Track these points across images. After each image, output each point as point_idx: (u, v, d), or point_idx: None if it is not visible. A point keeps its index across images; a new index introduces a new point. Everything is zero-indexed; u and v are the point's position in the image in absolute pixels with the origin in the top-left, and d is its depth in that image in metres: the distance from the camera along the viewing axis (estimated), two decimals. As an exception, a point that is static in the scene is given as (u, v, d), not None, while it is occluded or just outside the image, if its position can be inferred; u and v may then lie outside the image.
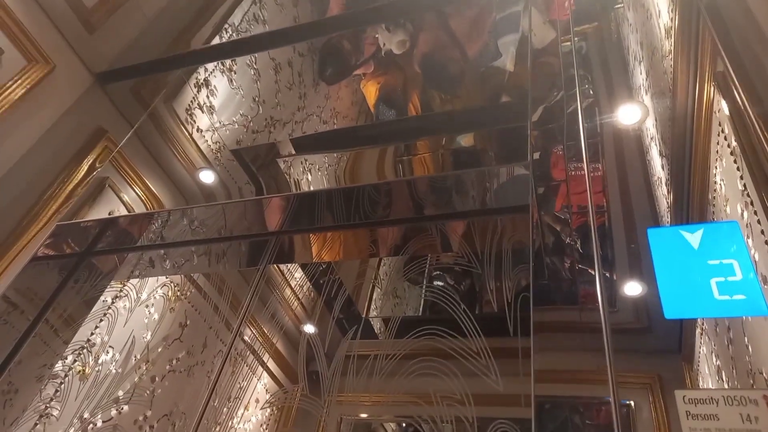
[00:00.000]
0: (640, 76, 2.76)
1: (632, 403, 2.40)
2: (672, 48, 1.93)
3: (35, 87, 2.67)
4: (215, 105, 3.28)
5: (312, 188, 2.92)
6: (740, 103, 1.43)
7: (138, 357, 2.53)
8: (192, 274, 2.84)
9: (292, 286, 2.69)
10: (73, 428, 2.26)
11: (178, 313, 2.75)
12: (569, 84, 2.51)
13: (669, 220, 2.33)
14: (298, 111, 3.42)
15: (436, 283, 2.75)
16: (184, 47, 3.36)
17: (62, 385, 2.37)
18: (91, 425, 2.29)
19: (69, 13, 2.86)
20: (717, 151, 1.75)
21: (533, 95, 2.39)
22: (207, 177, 3.15)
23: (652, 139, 2.60)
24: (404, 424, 2.46)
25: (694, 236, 1.36)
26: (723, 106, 1.61)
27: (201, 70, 3.30)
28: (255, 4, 3.59)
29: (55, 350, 2.48)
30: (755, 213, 1.45)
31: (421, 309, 2.78)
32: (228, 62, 3.32)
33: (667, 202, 2.33)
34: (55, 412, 2.28)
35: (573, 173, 2.77)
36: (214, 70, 3.31)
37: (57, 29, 2.83)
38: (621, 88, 3.12)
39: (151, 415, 2.41)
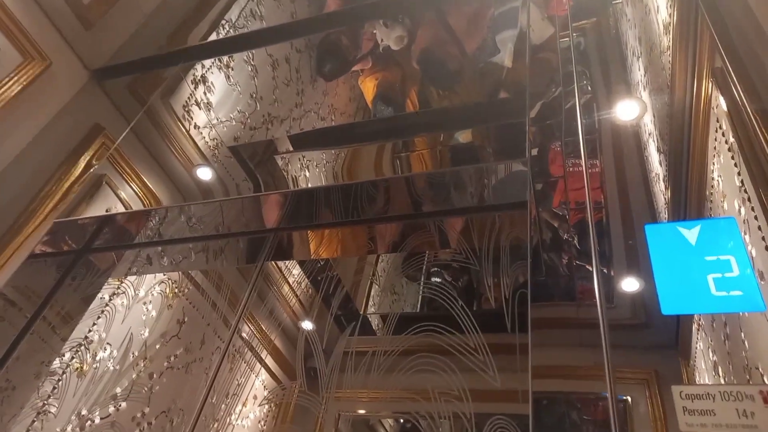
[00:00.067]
0: (639, 72, 2.75)
1: (629, 398, 2.40)
2: (670, 44, 1.93)
3: (31, 84, 2.65)
4: (212, 101, 3.27)
5: (310, 185, 2.92)
6: (738, 99, 1.43)
7: (136, 354, 2.53)
8: (190, 271, 2.84)
9: (290, 282, 2.69)
10: (71, 425, 2.26)
11: (175, 310, 2.75)
12: (567, 80, 2.51)
13: (666, 216, 2.33)
14: (296, 107, 3.42)
15: (434, 279, 2.76)
16: (181, 43, 3.35)
17: (60, 382, 2.37)
18: (89, 422, 2.29)
19: (65, 9, 2.85)
20: (715, 148, 1.75)
21: (531, 91, 2.39)
22: (204, 174, 3.14)
23: (650, 135, 2.60)
24: (402, 420, 2.47)
25: (691, 232, 1.37)
26: (721, 102, 1.61)
27: (198, 66, 3.29)
28: (252, 0, 3.58)
29: (53, 347, 2.48)
30: (752, 209, 1.45)
31: (419, 305, 2.79)
32: (225, 59, 3.31)
33: (665, 198, 2.33)
34: (53, 409, 2.28)
35: (571, 169, 2.78)
36: (211, 66, 3.30)
37: (53, 25, 2.81)
38: (619, 84, 3.12)
39: (149, 412, 2.41)
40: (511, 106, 2.56)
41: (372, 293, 2.79)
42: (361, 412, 2.42)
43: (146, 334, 2.61)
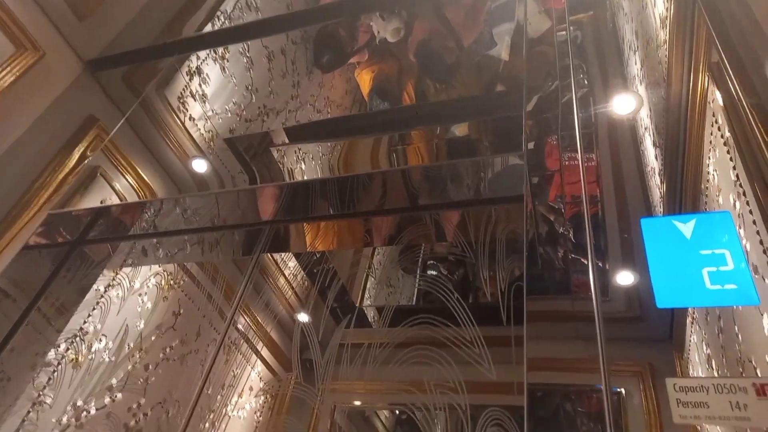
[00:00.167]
0: (635, 66, 2.76)
1: (623, 390, 2.43)
2: (667, 38, 1.93)
3: (24, 75, 2.63)
4: (208, 93, 3.25)
5: (306, 178, 2.91)
6: (734, 93, 1.43)
7: (131, 345, 2.52)
8: (185, 263, 2.83)
9: (286, 275, 2.69)
10: (66, 415, 2.26)
11: (171, 302, 2.74)
12: (564, 74, 2.51)
13: (662, 210, 2.34)
14: (292, 100, 3.40)
15: (429, 272, 2.76)
16: (176, 35, 3.32)
17: (55, 373, 2.37)
18: (84, 413, 2.29)
19: (58, 0, 2.82)
20: (710, 142, 1.76)
21: (528, 85, 2.39)
22: (200, 166, 3.13)
23: (646, 129, 2.61)
24: (398, 412, 2.48)
25: (686, 226, 1.37)
26: (717, 97, 1.61)
27: (193, 57, 3.27)
28: (248, -9, 3.55)
29: (48, 339, 2.48)
30: (747, 203, 1.46)
31: (414, 298, 2.80)
32: (220, 50, 3.29)
33: (660, 193, 2.34)
34: (49, 400, 2.28)
35: (567, 163, 2.78)
36: (206, 58, 3.28)
37: (46, 16, 2.78)
38: (616, 77, 3.12)
39: (144, 403, 2.42)
40: (507, 100, 2.55)
41: (368, 286, 2.80)
42: (357, 403, 2.44)
43: (141, 325, 2.60)
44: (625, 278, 2.56)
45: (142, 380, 2.45)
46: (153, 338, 2.59)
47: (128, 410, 2.37)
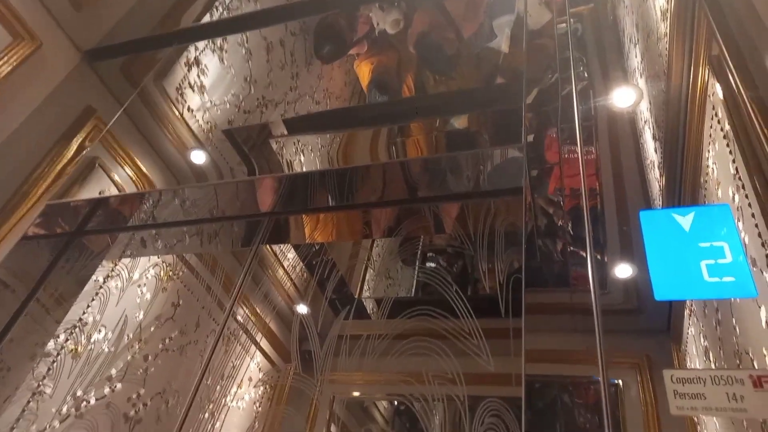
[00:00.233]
0: (636, 59, 2.75)
1: (620, 382, 2.44)
2: (667, 30, 1.92)
3: (21, 65, 2.62)
4: (206, 84, 3.23)
5: (305, 169, 2.91)
6: (734, 86, 1.43)
7: (131, 336, 2.53)
8: (184, 255, 2.83)
9: (285, 266, 2.69)
10: (66, 405, 2.27)
11: (170, 293, 2.75)
12: (564, 66, 2.50)
13: (661, 203, 2.34)
14: (291, 91, 3.39)
15: (428, 264, 2.77)
16: (174, 25, 3.30)
17: (55, 364, 2.37)
18: (84, 403, 2.30)
19: (56, -11, 2.80)
20: (710, 135, 1.76)
21: (528, 77, 2.38)
22: (198, 157, 3.12)
23: (645, 122, 2.61)
24: (396, 403, 2.50)
25: (685, 219, 1.37)
26: (717, 90, 1.61)
27: (191, 48, 3.25)
28: (247, -19, 3.53)
29: (47, 329, 2.48)
30: (746, 196, 1.46)
31: (413, 290, 2.80)
32: (219, 41, 3.27)
33: (660, 186, 2.35)
34: (48, 390, 2.29)
35: (566, 156, 2.78)
36: (204, 48, 3.26)
37: (43, 5, 2.76)
38: (616, 70, 3.12)
39: (144, 393, 2.43)
40: (507, 92, 2.55)
41: (367, 277, 2.80)
42: (356, 394, 2.45)
43: (141, 316, 2.61)
44: (623, 271, 2.57)
45: (141, 371, 2.46)
46: (152, 329, 2.60)
47: (128, 400, 2.38)
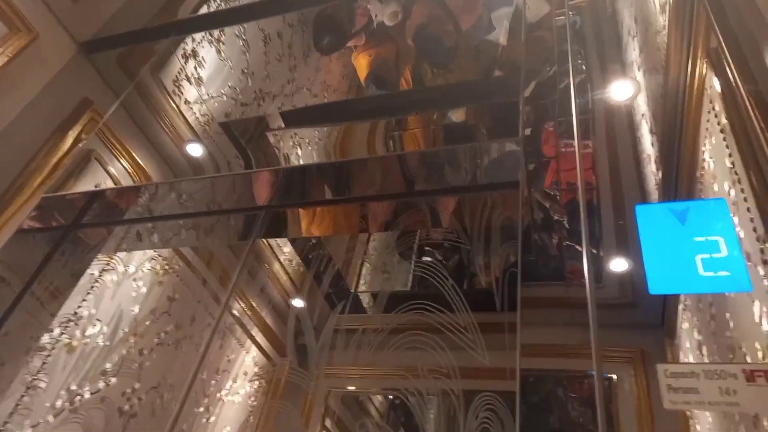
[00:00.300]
0: (634, 52, 2.73)
1: (614, 376, 2.44)
2: (666, 23, 1.91)
3: (17, 56, 2.60)
4: (203, 77, 3.22)
5: (302, 162, 2.90)
6: (732, 80, 1.42)
7: (126, 330, 2.53)
8: (180, 248, 2.83)
9: (281, 260, 2.69)
10: (60, 400, 2.27)
11: (166, 287, 2.75)
12: (562, 59, 2.49)
13: (657, 197, 2.34)
14: (288, 84, 3.37)
15: (425, 258, 2.77)
16: (171, 16, 3.28)
17: (49, 358, 2.37)
18: (78, 397, 2.30)
19: (51, -20, 2.78)
20: (707, 129, 1.75)
21: (526, 70, 2.37)
22: (195, 150, 3.11)
23: (642, 116, 2.59)
24: (391, 397, 2.50)
25: (681, 213, 1.37)
26: (715, 84, 1.60)
27: (188, 40, 3.23)
28: (244, -27, 3.50)
29: (42, 323, 2.48)
30: (742, 191, 1.46)
31: (409, 284, 2.80)
32: (216, 33, 3.25)
33: (656, 180, 2.34)
34: (43, 384, 2.29)
35: (563, 150, 2.77)
36: (201, 40, 3.24)
37: (39, -4, 2.75)
38: (614, 63, 3.10)
39: (139, 388, 2.43)
40: (505, 85, 2.54)
41: (363, 272, 2.80)
42: (351, 388, 2.45)
43: (136, 310, 2.61)
44: (618, 265, 2.57)
45: (136, 365, 2.46)
46: (148, 323, 2.60)
47: (122, 394, 2.38)
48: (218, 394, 2.42)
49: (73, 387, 2.31)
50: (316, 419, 2.33)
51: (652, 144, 2.36)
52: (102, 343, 2.46)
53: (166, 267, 2.79)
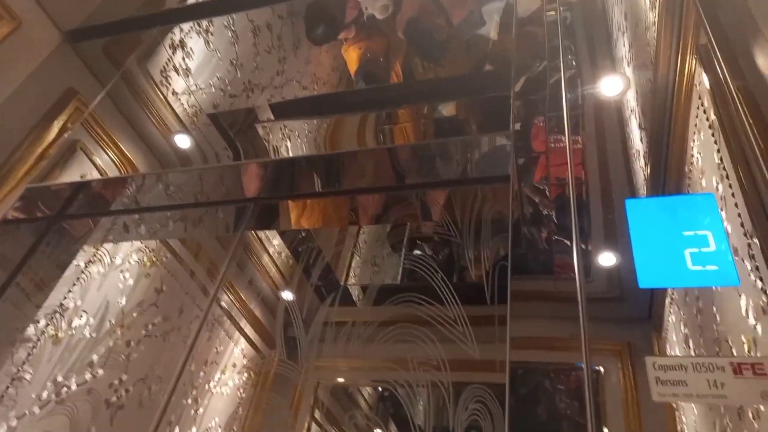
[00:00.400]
0: (623, 48, 2.75)
1: (602, 369, 2.47)
2: (656, 19, 1.92)
3: (0, 45, 2.55)
4: (191, 67, 3.18)
5: (291, 155, 2.88)
6: (721, 76, 1.43)
7: (113, 322, 2.50)
8: (168, 240, 2.81)
9: (270, 252, 2.68)
10: (46, 391, 2.24)
11: (153, 279, 2.72)
12: (552, 54, 2.50)
13: (645, 192, 2.36)
14: (278, 75, 3.35)
15: (415, 252, 2.77)
16: (159, 6, 3.24)
17: (35, 349, 2.34)
18: (65, 388, 2.27)
19: (36, -34, 2.73)
20: (695, 125, 1.77)
21: (517, 64, 2.37)
22: (183, 142, 3.08)
23: (632, 111, 2.61)
24: (380, 389, 2.51)
25: (670, 207, 1.38)
26: (704, 80, 1.62)
27: (176, 30, 3.19)
28: (233, -38, 3.46)
29: (27, 314, 2.44)
30: (730, 186, 1.48)
31: (399, 277, 2.81)
32: (204, 23, 3.21)
33: (644, 175, 2.36)
34: (28, 376, 2.26)
35: (553, 145, 2.78)
36: (190, 31, 3.20)
37: (23, -18, 2.69)
38: (604, 59, 3.12)
39: (126, 379, 2.41)
40: (495, 79, 2.54)
41: (353, 264, 2.80)
42: (341, 380, 2.45)
43: (123, 302, 2.58)
44: (606, 259, 2.59)
45: (123, 357, 2.44)
46: (135, 315, 2.58)
47: (110, 386, 2.36)
48: (206, 386, 2.41)
49: (60, 379, 2.28)
50: (305, 411, 2.33)
51: (641, 139, 2.38)
52: (88, 335, 2.44)
53: (154, 259, 2.76)
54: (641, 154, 2.39)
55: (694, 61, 1.70)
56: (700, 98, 1.70)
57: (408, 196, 2.26)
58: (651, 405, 2.27)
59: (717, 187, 1.58)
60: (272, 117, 3.04)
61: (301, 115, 3.02)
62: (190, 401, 2.34)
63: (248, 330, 2.57)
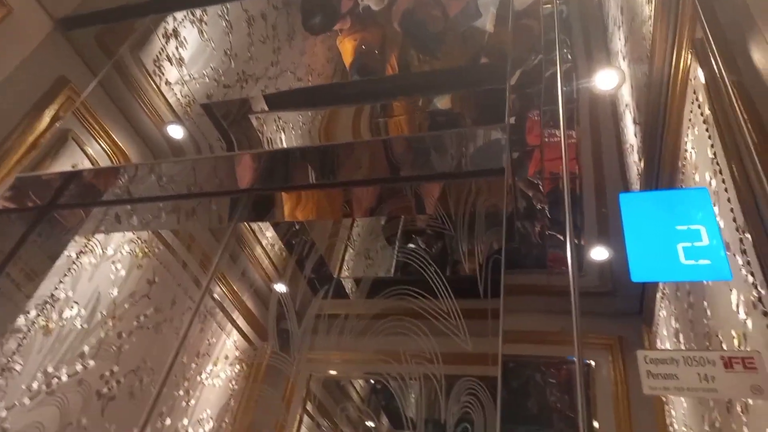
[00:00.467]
0: (619, 42, 2.75)
1: (593, 362, 2.49)
2: (652, 13, 1.92)
3: (-10, 31, 2.52)
4: (185, 57, 3.15)
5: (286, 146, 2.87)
6: (717, 70, 1.43)
7: (104, 313, 2.49)
8: (160, 231, 2.79)
9: (263, 244, 2.67)
10: (36, 382, 2.23)
11: (145, 270, 2.71)
12: (548, 48, 2.49)
13: (639, 187, 2.37)
14: (272, 66, 3.33)
15: (409, 245, 2.77)
16: (152, -6, 3.20)
17: (25, 340, 2.33)
18: (55, 379, 2.26)
19: (26, -48, 2.68)
20: (690, 119, 1.77)
21: (512, 57, 2.37)
22: (176, 132, 3.05)
23: (626, 106, 2.62)
24: (373, 381, 2.51)
25: (664, 202, 1.38)
26: (699, 74, 1.62)
27: (169, 19, 3.15)
28: (227, -49, 3.42)
29: (17, 304, 2.43)
30: (723, 181, 1.48)
31: (392, 270, 2.81)
32: (198, 12, 3.18)
33: (638, 170, 2.37)
34: (18, 367, 2.25)
35: (547, 140, 2.78)
36: (183, 20, 3.16)
37: (13, -32, 2.65)
38: (600, 53, 3.12)
39: (117, 371, 2.40)
40: (491, 72, 2.53)
41: (346, 257, 2.79)
42: (333, 373, 2.46)
43: (115, 293, 2.57)
44: (599, 254, 2.60)
45: (115, 348, 2.43)
46: (126, 306, 2.56)
47: (101, 377, 2.35)
48: (198, 378, 2.40)
49: (50, 369, 2.27)
50: (297, 403, 2.33)
51: (635, 134, 2.38)
52: (79, 326, 2.42)
53: (146, 250, 2.75)
54: (635, 148, 2.40)
55: (689, 56, 1.70)
56: (695, 93, 1.70)
57: (402, 189, 2.25)
58: (641, 398, 2.29)
59: (710, 182, 1.59)
60: (266, 108, 3.02)
61: (296, 106, 3.00)
62: (181, 393, 2.34)
63: (240, 322, 2.56)
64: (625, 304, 2.62)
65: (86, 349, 2.38)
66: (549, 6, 2.79)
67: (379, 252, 2.90)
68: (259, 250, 2.66)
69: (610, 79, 2.60)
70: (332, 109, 2.91)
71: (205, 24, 3.19)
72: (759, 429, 1.30)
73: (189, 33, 3.16)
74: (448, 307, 1.91)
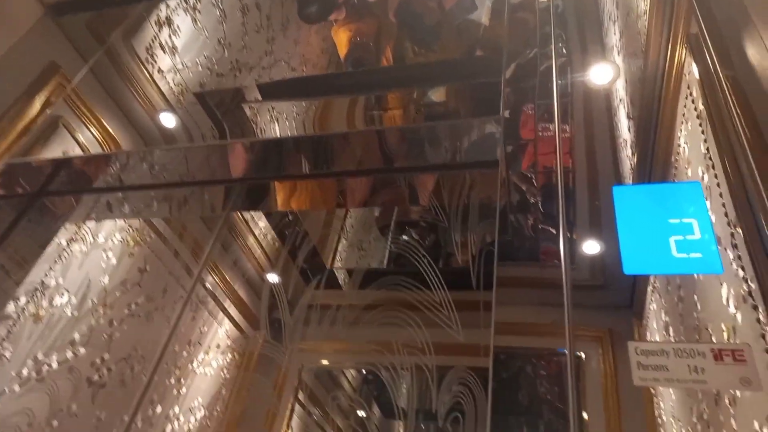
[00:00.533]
0: (614, 37, 2.75)
1: (583, 354, 2.51)
2: (647, 8, 1.92)
3: (-21, 15, 2.48)
4: (178, 45, 3.12)
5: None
6: (711, 65, 1.44)
7: (95, 301, 2.47)
8: (152, 220, 2.77)
9: (256, 234, 2.66)
10: (26, 369, 2.22)
11: (137, 258, 2.69)
12: (544, 41, 2.49)
13: (631, 181, 2.38)
14: (266, 56, 3.30)
15: (402, 237, 2.77)
16: (144, -20, 3.16)
17: (15, 327, 2.31)
18: (45, 366, 2.25)
19: (17, -65, 2.64)
20: (683, 114, 1.78)
21: (507, 51, 2.36)
22: (168, 120, 3.03)
23: (620, 101, 2.63)
24: (364, 371, 2.52)
25: (657, 195, 1.39)
26: (693, 70, 1.62)
27: (162, 6, 3.12)
28: (221, -62, 3.39)
29: (7, 291, 2.41)
30: (716, 176, 1.49)
31: (385, 261, 2.81)
32: (192, 0, 3.15)
33: (631, 164, 2.38)
34: (8, 354, 2.23)
35: (541, 134, 2.79)
36: (176, 8, 3.13)
37: (3, -48, 2.61)
38: (595, 46, 3.12)
39: (108, 358, 2.39)
40: (486, 65, 2.53)
41: (339, 248, 2.79)
42: (325, 363, 2.46)
43: (106, 281, 2.55)
44: (590, 247, 2.62)
45: (106, 335, 2.41)
46: (118, 294, 2.55)
47: (91, 365, 2.34)
48: (190, 366, 2.40)
49: (40, 356, 2.26)
50: (288, 392, 2.33)
51: (629, 129, 2.39)
52: (70, 313, 2.41)
53: (138, 238, 2.73)
54: (628, 143, 2.41)
55: (684, 51, 1.71)
56: (688, 88, 1.71)
57: (396, 180, 2.25)
58: (630, 390, 2.31)
59: (703, 177, 1.60)
60: (260, 98, 3.01)
61: (290, 96, 2.98)
62: (173, 381, 2.34)
63: (232, 311, 2.55)
64: (616, 298, 2.64)
65: (77, 336, 2.36)
66: (545, 0, 2.79)
67: (372, 243, 2.90)
68: (251, 240, 2.65)
69: (604, 74, 2.61)
70: (326, 99, 2.90)
71: (199, 12, 3.17)
72: (746, 420, 1.32)
73: (182, 21, 3.13)
74: (441, 299, 1.91)
